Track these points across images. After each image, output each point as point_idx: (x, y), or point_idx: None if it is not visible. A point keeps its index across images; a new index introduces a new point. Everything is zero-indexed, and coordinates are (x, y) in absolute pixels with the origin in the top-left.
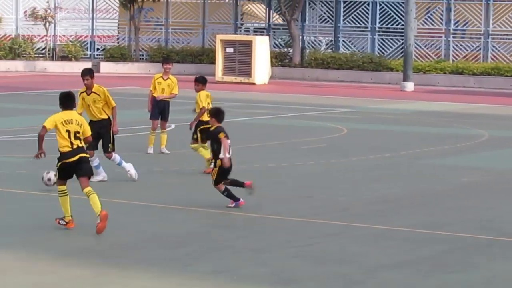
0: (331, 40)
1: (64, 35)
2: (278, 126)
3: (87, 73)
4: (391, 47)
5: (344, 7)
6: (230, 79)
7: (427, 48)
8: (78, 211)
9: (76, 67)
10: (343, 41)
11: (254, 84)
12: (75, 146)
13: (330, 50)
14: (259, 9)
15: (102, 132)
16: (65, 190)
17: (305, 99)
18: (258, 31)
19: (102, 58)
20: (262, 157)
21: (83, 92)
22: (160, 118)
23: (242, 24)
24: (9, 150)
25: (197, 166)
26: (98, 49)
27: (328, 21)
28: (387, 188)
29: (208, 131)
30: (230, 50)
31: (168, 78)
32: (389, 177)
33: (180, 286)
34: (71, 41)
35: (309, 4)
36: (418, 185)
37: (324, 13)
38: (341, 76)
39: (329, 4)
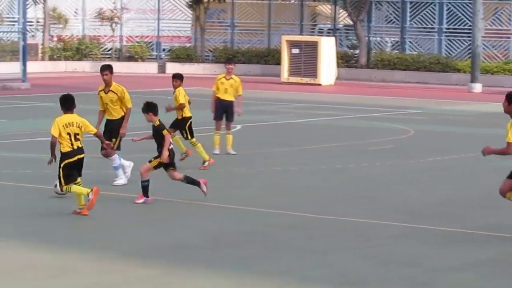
0: (397, 41)
1: (130, 36)
2: (344, 127)
3: (106, 68)
4: (458, 48)
5: (410, 8)
6: (296, 80)
7: (495, 49)
8: (144, 211)
9: (142, 68)
10: (410, 42)
11: (319, 85)
12: (75, 147)
13: (396, 51)
14: (332, 10)
15: (114, 129)
16: (71, 185)
17: (371, 100)
18: (330, 32)
19: (168, 58)
20: (328, 159)
21: (101, 90)
22: (224, 119)
23: (315, 25)
24: None
25: (263, 167)
26: (164, 49)
27: (394, 21)
28: (453, 189)
29: (154, 126)
30: (296, 51)
31: (231, 78)
32: (455, 179)
33: (245, 286)
34: (137, 42)
35: (375, 5)
36: (484, 187)
37: (390, 14)
38: (408, 77)
39: (395, 4)
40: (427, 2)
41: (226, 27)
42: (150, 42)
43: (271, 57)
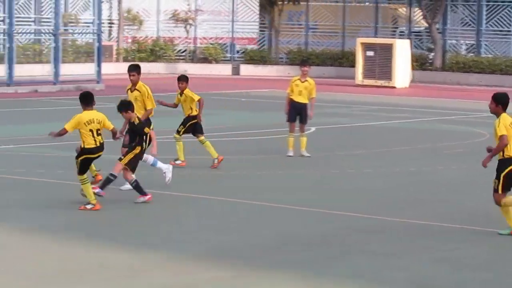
0: (472, 44)
1: (204, 38)
2: (419, 130)
3: (133, 69)
4: None
5: (486, 10)
6: (370, 82)
7: None
8: (213, 212)
9: (216, 69)
10: (485, 44)
11: (394, 87)
12: (98, 144)
13: (471, 54)
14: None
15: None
16: (86, 177)
17: (446, 103)
18: (411, 34)
19: (242, 60)
20: (403, 161)
21: (128, 89)
22: (298, 121)
23: (396, 28)
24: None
25: (337, 170)
26: (238, 51)
27: (470, 24)
28: None
29: (132, 124)
30: (370, 53)
31: (306, 80)
32: None
33: None
34: (211, 44)
35: (451, 7)
36: None
37: (466, 17)
38: (483, 80)
39: (471, 7)
40: (504, 5)
41: (301, 29)
42: (224, 44)
43: (345, 59)
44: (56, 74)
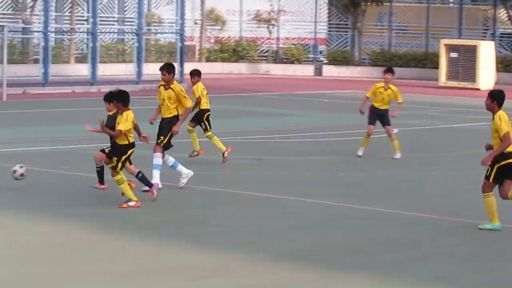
0: None
1: (287, 38)
2: None
3: (163, 69)
4: None
5: None
6: (454, 84)
7: None
8: (297, 213)
9: (299, 70)
10: None
11: (478, 89)
12: (132, 139)
13: None
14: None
15: (163, 128)
16: (123, 176)
17: None
18: (503, 36)
19: (325, 61)
20: None
21: (161, 85)
22: (381, 124)
23: (487, 30)
24: (236, 151)
25: (420, 172)
26: (320, 52)
27: None
28: None
29: (109, 116)
30: (454, 55)
31: (389, 88)
32: None
33: None
34: (293, 44)
35: None
36: None
37: None
38: None
39: None
40: None
41: (384, 30)
42: (306, 45)
43: (428, 61)
44: (139, 73)
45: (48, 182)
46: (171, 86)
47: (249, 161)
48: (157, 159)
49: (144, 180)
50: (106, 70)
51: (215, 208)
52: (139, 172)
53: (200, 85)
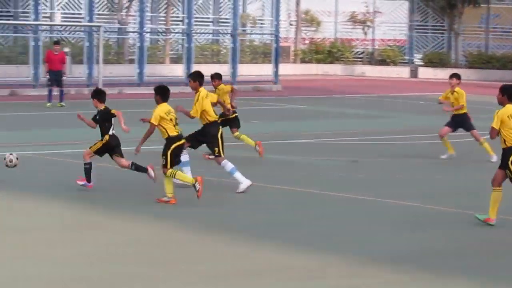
0: None
1: (382, 40)
2: None
3: (188, 76)
4: None
5: None
6: None
7: None
8: (390, 217)
9: (394, 72)
10: None
11: None
12: (179, 132)
13: None
14: None
15: (208, 139)
16: (174, 170)
17: None
18: None
19: (421, 63)
20: None
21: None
22: (465, 130)
23: None
24: (329, 153)
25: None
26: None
27: None
28: None
29: (100, 111)
30: None
31: (455, 91)
32: None
33: None
34: (389, 46)
35: None
36: None
37: None
38: None
39: None
40: None
41: (481, 32)
42: (402, 46)
43: None
44: (234, 74)
45: (141, 182)
46: (196, 94)
47: (344, 163)
48: (228, 165)
49: (139, 168)
50: (201, 70)
51: (310, 209)
52: (132, 163)
53: (223, 87)
